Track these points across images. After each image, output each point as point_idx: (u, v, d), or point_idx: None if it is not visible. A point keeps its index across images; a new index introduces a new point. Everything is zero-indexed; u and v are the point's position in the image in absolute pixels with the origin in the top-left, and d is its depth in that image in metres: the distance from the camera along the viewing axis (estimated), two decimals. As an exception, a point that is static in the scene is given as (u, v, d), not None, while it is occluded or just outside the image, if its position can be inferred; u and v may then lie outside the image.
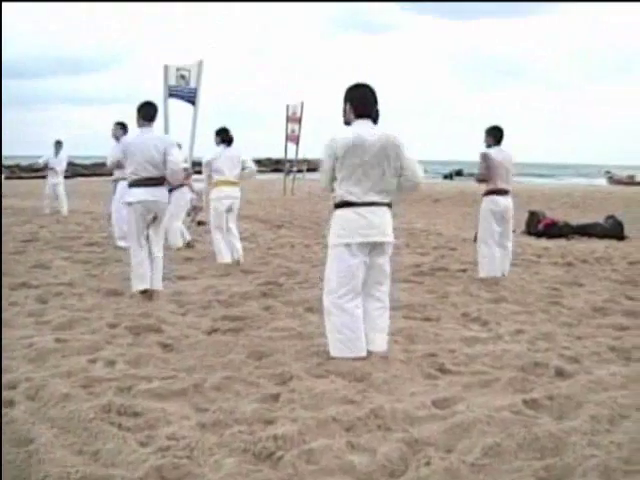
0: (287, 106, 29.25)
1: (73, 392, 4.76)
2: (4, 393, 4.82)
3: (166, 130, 12.98)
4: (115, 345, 6.05)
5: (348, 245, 5.64)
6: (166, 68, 13.45)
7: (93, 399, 4.67)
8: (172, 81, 13.59)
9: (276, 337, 6.34)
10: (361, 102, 5.71)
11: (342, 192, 5.65)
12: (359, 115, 5.69)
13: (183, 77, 13.56)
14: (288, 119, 29.39)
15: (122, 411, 4.48)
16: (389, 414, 4.45)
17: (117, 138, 11.12)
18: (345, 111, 5.77)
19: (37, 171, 33.37)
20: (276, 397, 4.84)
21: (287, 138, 29.98)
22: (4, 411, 4.45)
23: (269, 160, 72.32)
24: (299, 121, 29.33)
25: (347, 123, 5.77)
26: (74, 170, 46.68)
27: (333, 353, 5.70)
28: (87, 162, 62.82)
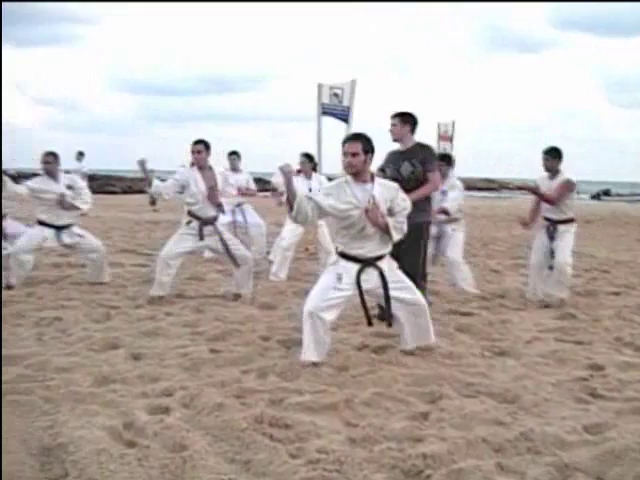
0: (438, 125, 29.10)
1: (227, 402, 4.86)
2: (160, 400, 4.99)
3: (319, 148, 13.16)
4: (267, 357, 6.14)
5: None
6: (320, 86, 13.64)
7: (246, 409, 4.75)
8: (325, 99, 13.76)
9: (427, 356, 6.28)
10: None
11: None
12: None
13: (336, 95, 13.71)
14: (439, 138, 29.21)
15: (274, 422, 4.54)
16: (539, 437, 4.34)
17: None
18: None
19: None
20: (426, 415, 4.79)
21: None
22: (160, 417, 4.60)
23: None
24: (450, 140, 29.10)
25: None
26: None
27: None
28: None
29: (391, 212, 5.89)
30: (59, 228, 9.23)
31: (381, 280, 5.95)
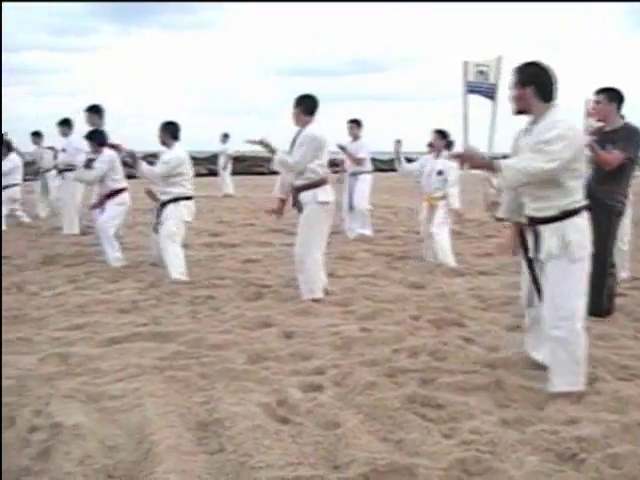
0: (585, 101, 28.22)
1: (379, 381, 4.89)
2: (312, 378, 5.06)
3: (465, 126, 12.97)
4: (418, 337, 6.13)
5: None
6: (465, 64, 13.45)
7: (397, 389, 4.77)
8: (471, 77, 13.56)
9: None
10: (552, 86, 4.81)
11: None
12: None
13: (482, 73, 13.48)
14: (586, 114, 28.32)
15: (426, 402, 4.55)
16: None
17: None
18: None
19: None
20: (580, 398, 4.68)
21: (585, 132, 28.95)
22: (312, 395, 4.66)
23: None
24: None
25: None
26: (375, 165, 47.93)
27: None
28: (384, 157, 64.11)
29: None
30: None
31: None
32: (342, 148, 12.73)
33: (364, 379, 4.88)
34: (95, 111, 10.59)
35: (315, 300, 7.41)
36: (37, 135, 14.82)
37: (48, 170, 14.57)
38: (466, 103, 13.48)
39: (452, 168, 9.45)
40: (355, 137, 12.90)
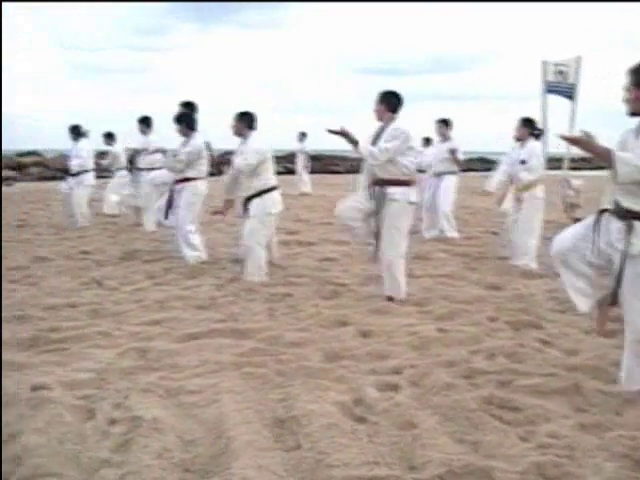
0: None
1: (455, 382, 4.88)
2: (389, 377, 5.07)
3: (544, 126, 12.82)
4: (495, 338, 6.08)
5: None
6: (544, 64, 13.32)
7: (474, 390, 4.75)
8: (550, 76, 13.42)
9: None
10: None
11: None
12: None
13: (561, 72, 13.34)
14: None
15: (503, 404, 4.52)
16: None
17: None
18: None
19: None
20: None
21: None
22: (389, 394, 4.67)
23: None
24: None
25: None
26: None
27: None
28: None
29: None
30: None
31: None
32: (452, 152, 12.61)
33: (441, 380, 4.88)
34: (191, 109, 10.67)
35: (391, 299, 7.40)
36: (109, 136, 15.07)
37: (120, 169, 14.80)
38: (545, 103, 13.33)
39: (535, 156, 9.32)
40: (444, 137, 12.80)
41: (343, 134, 7.25)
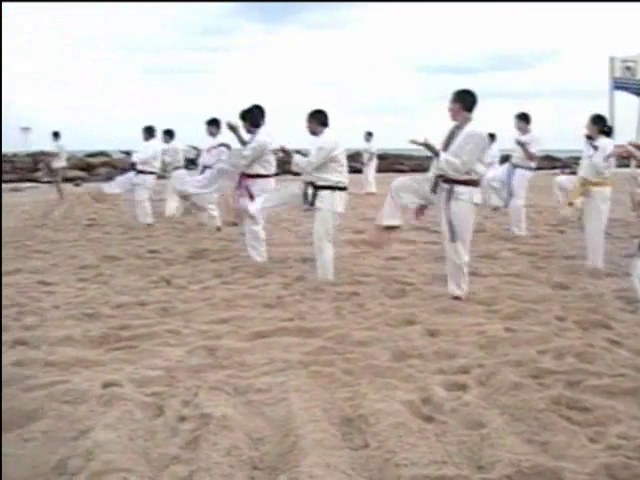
0: None
1: (523, 381, 4.84)
2: (456, 377, 5.06)
3: (612, 123, 12.60)
4: (564, 338, 6.02)
5: None
6: (612, 60, 13.11)
7: (543, 390, 4.71)
8: (618, 73, 13.20)
9: None
10: None
11: None
12: None
13: (629, 69, 13.13)
14: None
15: (572, 405, 4.48)
16: None
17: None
18: None
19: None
20: None
21: None
22: (457, 394, 4.66)
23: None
24: None
25: None
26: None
27: None
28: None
29: None
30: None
31: None
32: (521, 144, 12.45)
33: (509, 379, 4.85)
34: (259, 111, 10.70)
35: (457, 298, 7.38)
36: (169, 134, 15.21)
37: (177, 168, 14.95)
38: (612, 100, 13.12)
39: (603, 150, 9.16)
40: (523, 131, 12.57)
41: (426, 145, 7.25)
